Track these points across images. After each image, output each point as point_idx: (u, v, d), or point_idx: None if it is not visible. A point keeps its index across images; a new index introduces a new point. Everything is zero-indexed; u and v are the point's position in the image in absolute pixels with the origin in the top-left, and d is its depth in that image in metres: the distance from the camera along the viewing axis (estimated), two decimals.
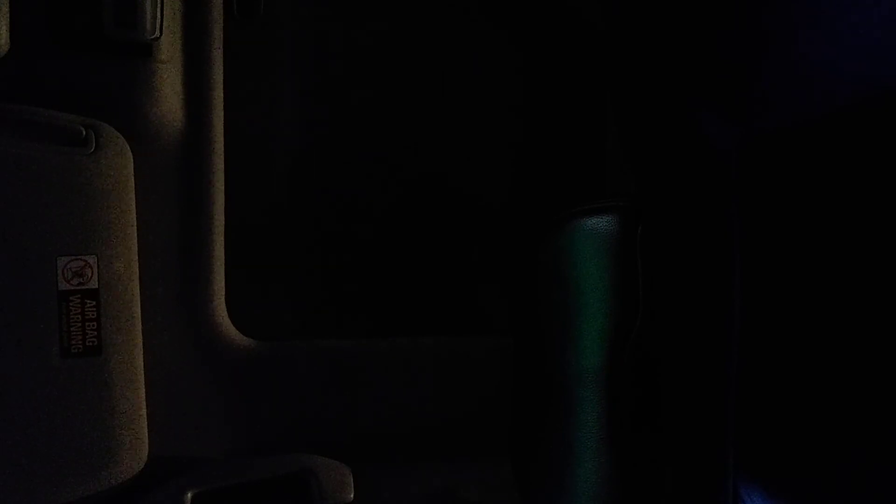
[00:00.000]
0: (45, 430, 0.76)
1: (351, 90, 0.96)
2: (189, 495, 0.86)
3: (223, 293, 0.89)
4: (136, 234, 0.81)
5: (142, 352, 0.83)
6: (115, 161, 0.79)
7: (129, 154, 0.80)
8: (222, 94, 0.88)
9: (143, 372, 0.83)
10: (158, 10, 0.80)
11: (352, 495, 0.92)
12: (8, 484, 0.76)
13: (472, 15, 0.99)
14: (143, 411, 0.83)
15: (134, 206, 0.81)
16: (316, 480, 0.90)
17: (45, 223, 0.75)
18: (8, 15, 0.75)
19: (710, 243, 0.74)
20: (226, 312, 0.89)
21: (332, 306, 0.97)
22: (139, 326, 0.82)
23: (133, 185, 0.81)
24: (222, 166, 0.89)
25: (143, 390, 0.83)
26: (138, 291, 0.82)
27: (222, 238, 0.89)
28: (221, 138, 0.88)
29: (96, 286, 0.77)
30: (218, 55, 0.87)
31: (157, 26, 0.80)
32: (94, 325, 0.78)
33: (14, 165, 0.74)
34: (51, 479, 0.77)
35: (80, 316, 0.77)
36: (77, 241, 0.76)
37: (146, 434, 0.84)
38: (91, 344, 0.78)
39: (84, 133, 0.77)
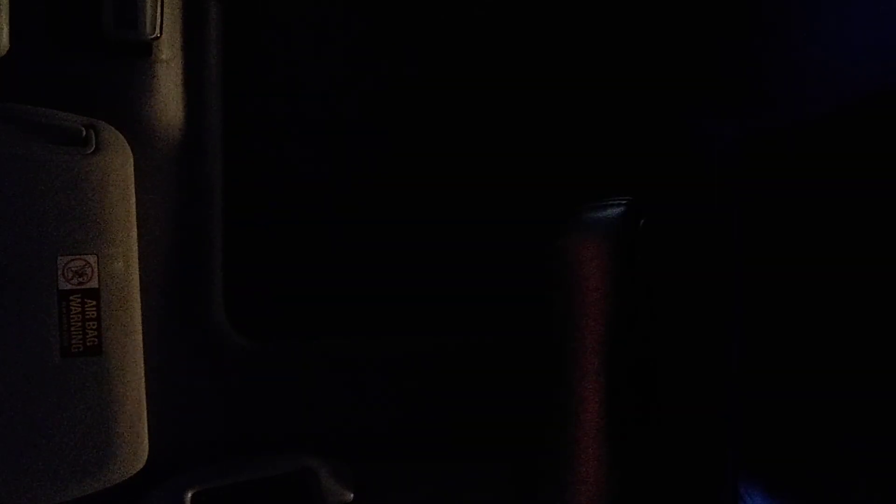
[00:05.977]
0: (45, 430, 0.76)
1: (351, 88, 0.96)
2: (189, 495, 0.86)
3: (222, 293, 0.89)
4: (136, 234, 0.81)
5: (142, 351, 0.83)
6: (115, 161, 0.79)
7: (129, 154, 0.80)
8: (222, 95, 0.88)
9: (143, 372, 0.83)
10: (158, 9, 0.80)
11: (352, 495, 0.92)
12: (8, 483, 0.76)
13: (473, 13, 0.99)
14: (143, 411, 0.83)
15: (134, 205, 0.81)
16: (316, 480, 0.90)
17: (46, 223, 0.75)
18: (8, 15, 0.75)
19: (710, 242, 0.74)
20: (223, 313, 0.89)
21: (332, 306, 0.97)
22: (139, 326, 0.82)
23: (133, 184, 0.81)
24: (222, 166, 0.89)
25: (143, 390, 0.83)
26: (138, 291, 0.82)
27: (221, 238, 0.89)
28: (221, 138, 0.88)
29: (96, 285, 0.78)
30: (218, 55, 0.87)
31: (157, 26, 0.80)
32: (94, 325, 0.78)
33: (14, 165, 0.74)
34: (51, 478, 0.77)
35: (80, 315, 0.77)
36: (77, 240, 0.76)
37: (146, 434, 0.84)
38: (91, 343, 0.78)
39: (84, 133, 0.77)
